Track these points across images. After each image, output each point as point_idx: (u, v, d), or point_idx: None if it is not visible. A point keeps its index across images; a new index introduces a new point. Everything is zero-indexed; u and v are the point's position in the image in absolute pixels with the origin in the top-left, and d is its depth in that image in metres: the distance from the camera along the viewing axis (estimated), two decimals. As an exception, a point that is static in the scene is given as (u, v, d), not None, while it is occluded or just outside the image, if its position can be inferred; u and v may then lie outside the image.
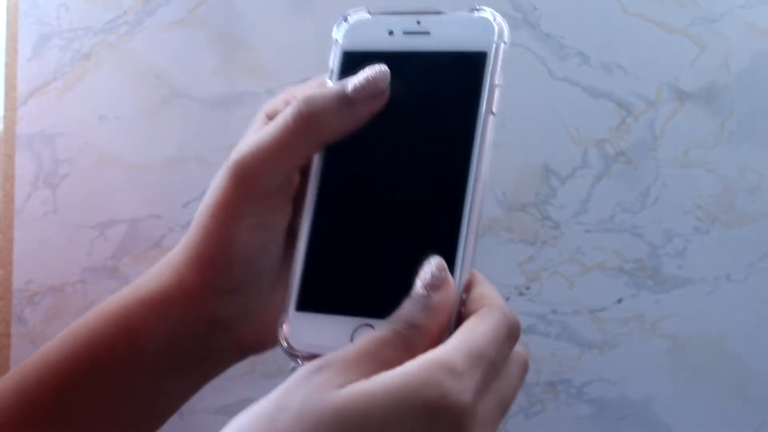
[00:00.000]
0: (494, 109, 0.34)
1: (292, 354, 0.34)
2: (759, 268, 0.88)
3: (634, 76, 0.88)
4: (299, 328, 0.34)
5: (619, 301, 0.90)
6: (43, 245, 0.94)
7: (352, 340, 0.33)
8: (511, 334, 0.30)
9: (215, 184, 0.37)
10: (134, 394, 0.37)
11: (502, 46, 0.35)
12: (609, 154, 0.89)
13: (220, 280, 0.36)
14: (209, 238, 0.36)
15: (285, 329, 0.34)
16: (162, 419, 0.39)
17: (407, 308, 0.30)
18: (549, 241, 0.90)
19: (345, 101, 0.34)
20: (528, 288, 0.90)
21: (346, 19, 0.36)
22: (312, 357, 0.33)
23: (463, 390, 0.27)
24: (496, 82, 0.34)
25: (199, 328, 0.37)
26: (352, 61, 0.36)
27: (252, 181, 0.35)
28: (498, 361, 0.29)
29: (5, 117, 0.94)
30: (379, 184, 0.35)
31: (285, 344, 0.34)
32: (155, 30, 0.92)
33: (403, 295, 0.32)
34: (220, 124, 0.92)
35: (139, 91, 0.93)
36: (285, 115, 0.34)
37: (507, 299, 0.90)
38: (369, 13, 0.36)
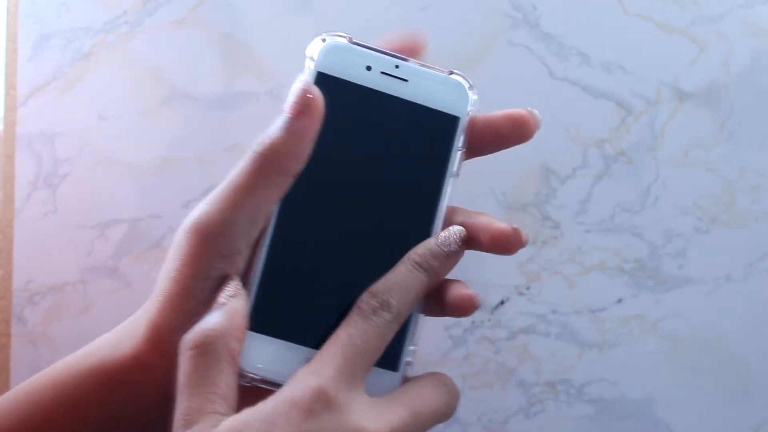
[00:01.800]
0: (457, 172, 0.36)
1: (241, 375, 0.33)
2: (759, 268, 0.88)
3: (634, 76, 0.88)
4: (250, 348, 0.34)
5: (619, 301, 0.90)
6: (43, 245, 0.94)
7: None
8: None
9: (173, 249, 0.35)
10: None
11: (471, 113, 0.36)
12: (609, 154, 0.89)
13: (175, 352, 0.34)
14: (170, 308, 0.34)
15: None
16: None
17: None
18: (549, 241, 0.90)
19: (286, 125, 0.34)
20: (528, 288, 0.90)
21: (324, 40, 0.36)
22: (258, 380, 0.33)
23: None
24: (461, 147, 0.36)
25: (152, 404, 0.35)
26: (325, 84, 0.35)
27: (211, 241, 0.34)
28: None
29: (5, 117, 0.94)
30: (338, 219, 0.35)
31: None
32: (155, 30, 0.92)
33: None
34: (220, 124, 0.92)
35: (139, 91, 0.93)
36: (240, 163, 0.34)
37: (507, 299, 0.90)
38: (349, 41, 0.36)
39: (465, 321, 0.90)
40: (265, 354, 0.34)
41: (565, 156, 0.89)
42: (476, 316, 0.90)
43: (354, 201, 0.35)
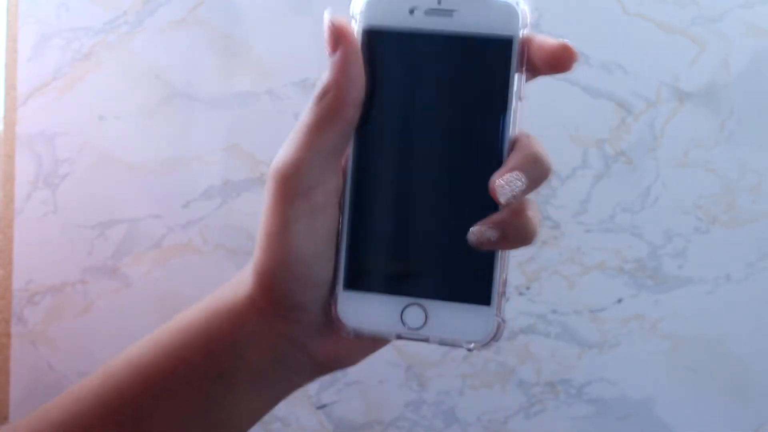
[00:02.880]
0: (522, 95, 0.35)
1: (347, 331, 0.35)
2: (759, 268, 0.88)
3: (634, 76, 0.88)
4: (349, 306, 0.35)
5: (619, 301, 0.90)
6: (43, 245, 0.94)
7: (401, 319, 0.34)
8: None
9: (265, 201, 0.37)
10: (211, 405, 0.38)
11: (526, 30, 0.35)
12: (609, 154, 0.89)
13: (281, 296, 0.36)
14: (264, 256, 0.36)
15: (335, 308, 0.35)
16: (241, 431, 0.39)
17: None
18: (549, 241, 0.90)
19: (329, 61, 0.35)
20: (528, 288, 0.90)
21: None
22: (361, 334, 0.35)
23: None
24: (520, 68, 0.35)
25: (272, 344, 0.37)
26: (373, 39, 0.35)
27: (289, 182, 0.35)
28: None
29: (5, 117, 0.94)
30: (414, 163, 0.35)
31: (338, 322, 0.35)
32: (155, 30, 0.92)
33: (450, 272, 0.34)
34: (220, 124, 0.92)
35: (139, 91, 0.93)
36: (303, 114, 0.36)
37: (507, 299, 0.90)
38: None
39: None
40: (364, 309, 0.35)
41: (565, 156, 0.89)
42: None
43: (425, 143, 0.35)
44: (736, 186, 0.88)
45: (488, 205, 0.33)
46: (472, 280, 0.34)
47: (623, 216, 0.89)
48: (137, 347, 0.40)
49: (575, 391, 0.91)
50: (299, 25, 0.90)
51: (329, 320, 0.36)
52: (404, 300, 0.34)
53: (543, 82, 0.98)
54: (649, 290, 0.89)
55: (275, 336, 0.37)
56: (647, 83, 0.88)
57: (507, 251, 0.35)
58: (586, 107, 0.88)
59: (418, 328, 0.34)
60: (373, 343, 0.37)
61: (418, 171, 0.35)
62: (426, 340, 0.35)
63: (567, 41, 0.34)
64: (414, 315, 0.34)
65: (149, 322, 0.94)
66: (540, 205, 0.90)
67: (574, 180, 0.89)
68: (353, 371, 0.91)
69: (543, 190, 0.90)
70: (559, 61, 0.34)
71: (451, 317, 0.34)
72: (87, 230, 0.94)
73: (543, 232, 0.90)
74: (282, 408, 0.92)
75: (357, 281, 0.35)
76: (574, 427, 0.91)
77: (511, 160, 0.34)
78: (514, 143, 0.35)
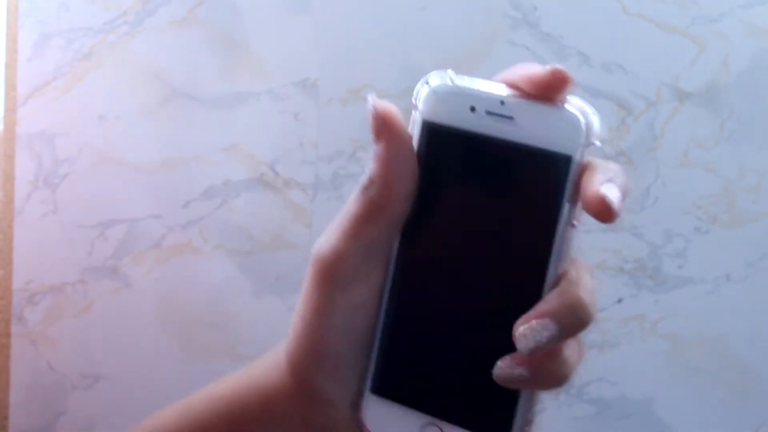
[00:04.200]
0: (575, 221, 0.32)
1: None
2: (759, 268, 0.88)
3: (634, 76, 0.88)
4: (374, 410, 0.35)
5: (619, 301, 0.90)
6: (43, 245, 0.94)
7: None
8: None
9: (304, 283, 0.35)
10: None
11: (591, 148, 0.32)
12: (609, 154, 0.89)
13: (311, 388, 0.35)
14: (297, 344, 0.35)
15: (361, 409, 0.35)
16: None
17: None
18: (549, 241, 0.90)
19: (375, 152, 0.33)
20: (528, 288, 0.90)
21: (427, 83, 0.34)
22: None
23: None
24: (574, 192, 0.32)
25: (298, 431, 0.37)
26: (431, 133, 0.33)
27: (330, 271, 0.33)
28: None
29: (5, 117, 0.94)
30: (455, 277, 0.34)
31: (362, 424, 0.35)
32: (155, 30, 0.92)
33: (474, 401, 0.33)
34: (220, 124, 0.92)
35: (139, 91, 0.93)
36: (349, 202, 0.34)
37: None
38: (451, 80, 0.33)
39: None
40: (387, 416, 0.34)
41: (565, 156, 0.89)
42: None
43: (468, 257, 0.33)
44: (736, 186, 0.88)
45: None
46: (493, 413, 0.33)
47: (623, 216, 0.89)
48: (166, 412, 0.39)
49: (575, 391, 0.90)
50: (299, 25, 0.90)
51: (355, 418, 0.35)
52: (425, 418, 0.34)
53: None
54: (649, 290, 0.89)
55: (303, 425, 0.36)
56: (647, 83, 0.88)
57: (536, 392, 0.33)
58: (586, 107, 0.88)
59: None
60: None
61: (458, 286, 0.33)
62: None
63: (606, 194, 0.30)
64: None
65: (149, 322, 0.94)
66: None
67: (574, 180, 0.89)
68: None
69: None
70: (595, 212, 0.31)
71: None
72: (87, 230, 0.94)
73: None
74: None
75: (384, 387, 0.35)
76: (574, 427, 0.91)
77: (546, 303, 0.30)
78: (561, 277, 0.32)
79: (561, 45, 0.88)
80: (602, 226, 0.89)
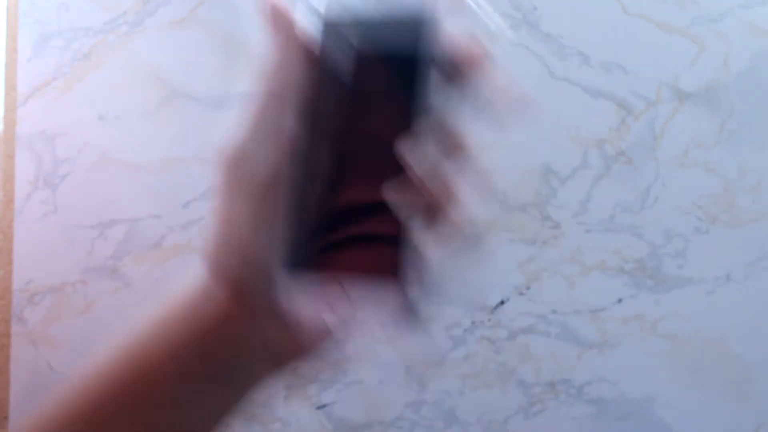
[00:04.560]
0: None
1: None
2: (759, 268, 0.88)
3: (634, 76, 0.88)
4: (287, 285, 0.36)
5: (619, 301, 0.90)
6: (43, 245, 0.94)
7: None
8: None
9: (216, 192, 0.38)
10: (174, 404, 0.38)
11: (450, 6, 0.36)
12: (609, 154, 0.89)
13: (229, 280, 0.36)
14: (213, 241, 0.37)
15: (278, 288, 0.36)
16: (213, 428, 0.39)
17: None
18: (549, 241, 0.90)
19: (275, 46, 0.36)
20: (528, 288, 0.90)
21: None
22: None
23: None
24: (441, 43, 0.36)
25: (226, 333, 0.37)
26: (327, 31, 0.37)
27: (234, 167, 0.36)
28: None
29: (5, 117, 0.94)
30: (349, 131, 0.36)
31: (279, 303, 0.36)
32: (155, 30, 0.92)
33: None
34: (220, 124, 0.92)
35: (139, 91, 0.93)
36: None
37: (507, 299, 0.90)
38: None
39: (465, 321, 0.90)
40: (301, 290, 0.36)
41: (565, 156, 0.89)
42: (476, 316, 0.90)
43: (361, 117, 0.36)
44: (736, 186, 0.88)
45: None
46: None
47: (623, 216, 0.89)
48: (106, 357, 0.41)
49: (575, 391, 0.90)
50: (299, 25, 0.90)
51: (274, 301, 0.36)
52: (331, 276, 0.35)
53: (543, 82, 0.98)
54: (649, 290, 0.89)
55: (226, 325, 0.37)
56: (647, 83, 0.88)
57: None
58: (586, 107, 0.88)
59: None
60: (320, 332, 0.37)
61: (353, 142, 0.36)
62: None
63: (473, 46, 0.35)
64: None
65: (149, 322, 0.94)
66: (540, 205, 0.90)
67: (574, 180, 0.89)
68: (353, 371, 0.91)
69: (543, 190, 0.90)
70: (463, 65, 0.35)
71: None
72: (87, 230, 0.94)
73: (543, 232, 0.90)
74: (282, 408, 0.92)
75: (293, 260, 0.36)
76: (574, 427, 0.91)
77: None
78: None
79: (561, 45, 0.88)
80: (602, 226, 0.89)
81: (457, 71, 0.36)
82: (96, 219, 0.94)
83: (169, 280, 0.95)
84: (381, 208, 0.35)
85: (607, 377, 0.90)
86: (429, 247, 0.35)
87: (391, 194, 0.34)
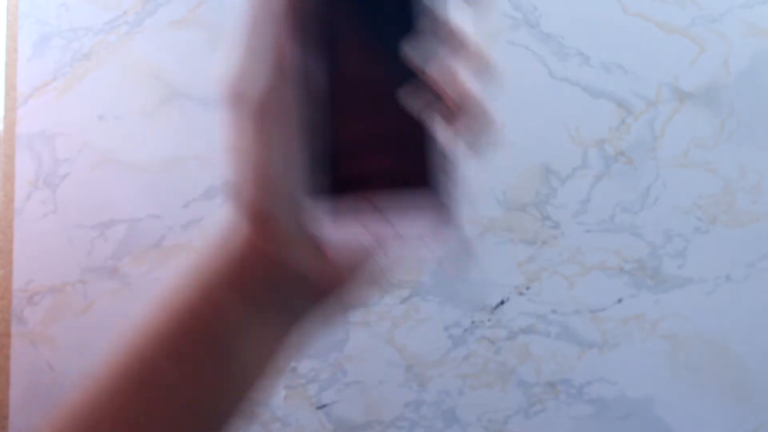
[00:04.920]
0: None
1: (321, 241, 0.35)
2: (759, 268, 0.88)
3: (634, 76, 0.88)
4: (314, 214, 0.35)
5: (619, 301, 0.90)
6: (43, 245, 0.94)
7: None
8: None
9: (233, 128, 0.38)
10: (217, 349, 0.38)
11: None
12: (609, 154, 0.89)
13: (251, 210, 0.36)
14: (240, 173, 0.37)
15: (304, 219, 0.36)
16: (263, 369, 0.39)
17: None
18: (549, 241, 0.90)
19: None
20: (528, 288, 0.90)
21: None
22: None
23: None
24: None
25: (257, 267, 0.37)
26: None
27: (234, 91, 0.36)
28: None
29: (5, 117, 0.94)
30: (365, 68, 0.36)
31: (308, 233, 0.36)
32: (155, 30, 0.92)
33: (396, 164, 0.35)
34: (220, 124, 0.92)
35: (139, 91, 0.93)
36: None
37: (507, 299, 0.90)
38: None
39: (465, 321, 0.90)
40: (328, 215, 0.35)
41: (565, 156, 0.89)
42: (476, 316, 0.90)
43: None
44: (736, 186, 0.88)
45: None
46: (415, 167, 0.35)
47: (623, 216, 0.89)
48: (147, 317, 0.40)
49: (575, 391, 0.91)
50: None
51: (303, 233, 0.36)
52: (360, 199, 0.35)
53: (543, 82, 0.98)
54: (649, 290, 0.89)
55: (263, 261, 0.37)
56: (647, 83, 0.88)
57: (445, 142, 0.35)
58: (586, 107, 0.88)
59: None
60: (357, 255, 0.37)
61: (367, 74, 0.36)
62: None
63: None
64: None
65: (149, 322, 0.94)
66: (540, 205, 0.90)
67: (574, 180, 0.89)
68: (353, 371, 0.91)
69: (543, 190, 0.90)
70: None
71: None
72: (87, 230, 0.94)
73: (543, 232, 0.90)
74: (282, 408, 0.92)
75: (317, 188, 0.35)
76: (574, 427, 0.91)
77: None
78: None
79: (561, 45, 0.88)
80: (602, 226, 0.89)
81: None
82: (96, 219, 0.94)
83: (169, 280, 0.95)
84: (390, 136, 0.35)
85: (607, 377, 0.90)
86: (453, 145, 0.35)
87: (408, 99, 0.33)
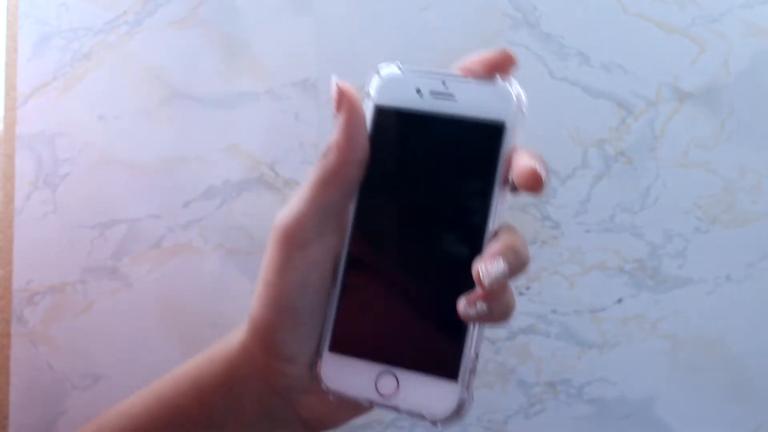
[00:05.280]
0: (508, 185, 0.36)
1: (326, 391, 0.37)
2: (759, 268, 0.88)
3: (634, 76, 0.88)
4: (331, 367, 0.37)
5: (619, 301, 0.90)
6: (43, 245, 0.94)
7: (375, 386, 0.36)
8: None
9: (266, 250, 0.38)
10: None
11: (520, 117, 0.37)
12: (609, 154, 0.89)
13: (271, 345, 0.37)
14: (258, 302, 0.38)
15: (319, 366, 0.37)
16: None
17: None
18: (549, 241, 0.90)
19: (335, 123, 0.37)
20: (528, 288, 0.90)
21: (378, 73, 0.38)
22: (341, 396, 0.36)
23: None
24: (514, 149, 0.36)
25: (261, 395, 0.38)
26: (382, 116, 0.38)
27: (288, 234, 0.37)
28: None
29: (5, 117, 0.94)
30: (403, 235, 0.37)
31: (320, 382, 0.37)
32: (155, 30, 0.92)
33: (422, 346, 0.35)
34: (220, 124, 0.92)
35: (139, 91, 0.93)
36: (309, 170, 0.37)
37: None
38: (399, 69, 0.38)
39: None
40: (343, 372, 0.36)
41: (565, 156, 0.89)
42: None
43: (416, 217, 0.37)
44: (736, 186, 0.88)
45: (468, 285, 0.35)
46: (442, 354, 0.35)
47: (623, 216, 0.89)
48: (129, 400, 0.41)
49: (575, 391, 0.91)
50: (299, 25, 0.90)
51: (314, 377, 0.37)
52: (379, 367, 0.36)
53: (543, 82, 0.98)
54: (649, 290, 0.89)
55: (264, 387, 0.38)
56: (647, 83, 0.88)
57: (481, 329, 0.36)
58: (586, 107, 0.88)
59: (388, 396, 0.36)
60: (355, 407, 0.38)
61: (407, 243, 0.37)
62: (396, 409, 0.36)
63: (539, 167, 0.35)
64: (386, 383, 0.36)
65: (149, 322, 0.94)
66: (540, 205, 0.90)
67: (574, 180, 0.89)
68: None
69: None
70: (525, 181, 0.35)
71: (420, 389, 0.35)
72: (87, 230, 0.94)
73: (543, 232, 0.90)
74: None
75: (340, 343, 0.37)
76: (574, 427, 0.91)
77: (493, 247, 0.35)
78: (498, 231, 0.36)
79: (561, 45, 0.88)
80: (602, 226, 0.89)
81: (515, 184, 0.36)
82: (96, 219, 0.94)
83: (169, 280, 0.95)
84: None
85: (607, 377, 0.90)
86: (480, 345, 0.36)
87: (461, 308, 0.34)
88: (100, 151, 0.94)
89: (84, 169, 0.94)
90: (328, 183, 0.36)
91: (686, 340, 0.89)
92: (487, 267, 0.34)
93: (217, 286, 0.93)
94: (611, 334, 0.90)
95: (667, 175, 0.89)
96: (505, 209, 0.36)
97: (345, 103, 0.37)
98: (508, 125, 0.36)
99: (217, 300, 0.93)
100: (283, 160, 0.91)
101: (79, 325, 0.95)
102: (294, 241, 0.36)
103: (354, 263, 0.37)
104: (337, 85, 0.37)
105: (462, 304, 0.34)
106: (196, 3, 0.91)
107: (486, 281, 0.34)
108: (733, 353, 0.89)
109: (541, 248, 0.90)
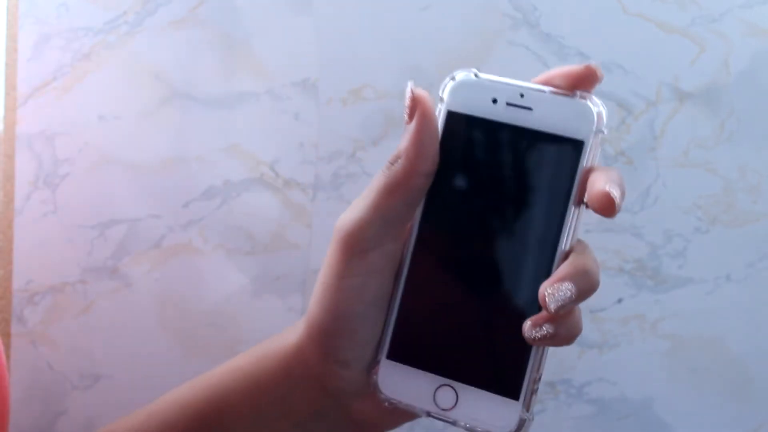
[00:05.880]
0: (583, 204, 0.36)
1: (382, 398, 0.37)
2: (759, 268, 0.88)
3: (634, 76, 0.88)
4: (388, 374, 0.36)
5: (619, 301, 0.90)
6: (43, 245, 0.94)
7: (434, 398, 0.36)
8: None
9: (327, 253, 0.38)
10: None
11: (600, 136, 0.35)
12: (609, 154, 0.89)
13: (328, 350, 0.37)
14: (315, 306, 0.37)
15: (376, 373, 0.37)
16: None
17: None
18: (549, 241, 0.90)
19: (405, 130, 0.36)
20: (528, 288, 0.90)
21: (453, 78, 0.37)
22: (396, 404, 0.36)
23: None
24: (591, 168, 0.35)
25: (315, 397, 0.38)
26: (455, 122, 0.37)
27: (350, 239, 0.36)
28: None
29: (5, 117, 0.94)
30: (471, 248, 0.36)
31: (375, 388, 0.37)
32: (155, 30, 0.92)
33: (484, 362, 0.35)
34: (220, 124, 0.92)
35: (139, 91, 0.93)
36: (375, 176, 0.37)
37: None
38: (476, 75, 0.37)
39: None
40: (401, 380, 0.36)
41: (565, 156, 0.89)
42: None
43: (485, 230, 0.36)
44: (736, 186, 0.88)
45: (535, 304, 0.34)
46: (504, 373, 0.35)
47: (623, 216, 0.89)
48: (184, 387, 0.41)
49: (575, 391, 0.91)
50: (299, 25, 0.90)
51: (370, 383, 0.37)
52: (439, 380, 0.36)
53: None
54: (649, 290, 0.89)
55: (319, 388, 0.38)
56: (647, 83, 0.88)
57: (545, 351, 0.35)
58: (586, 107, 0.88)
59: (447, 410, 0.36)
60: (407, 413, 0.38)
61: (473, 257, 0.36)
62: (454, 423, 0.36)
63: (611, 190, 0.34)
64: (445, 396, 0.36)
65: (149, 322, 0.94)
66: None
67: (574, 180, 0.89)
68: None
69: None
70: (598, 204, 0.35)
71: (480, 405, 0.35)
72: (87, 230, 0.94)
73: (543, 232, 0.90)
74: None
75: (399, 352, 0.36)
76: (574, 427, 0.91)
77: (562, 269, 0.34)
78: (569, 251, 0.36)
79: (561, 45, 0.88)
80: (602, 226, 0.89)
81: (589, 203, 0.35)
82: (96, 219, 0.94)
83: (169, 280, 0.95)
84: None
85: (607, 377, 0.90)
86: (543, 365, 0.35)
87: (526, 330, 0.34)
88: (100, 151, 0.94)
89: (84, 169, 0.94)
90: (392, 192, 0.36)
91: (686, 340, 0.89)
92: (554, 291, 0.33)
93: (216, 286, 0.93)
94: (611, 334, 0.90)
95: (667, 175, 0.88)
96: (579, 229, 0.36)
97: (419, 110, 0.36)
98: (587, 143, 0.35)
99: (217, 300, 0.93)
100: (283, 160, 0.91)
101: (79, 325, 0.95)
102: (355, 246, 0.36)
103: (417, 272, 0.36)
104: (411, 91, 0.36)
105: (527, 326, 0.34)
106: (196, 3, 0.91)
107: (552, 306, 0.33)
108: (733, 353, 0.89)
109: (541, 248, 0.90)
